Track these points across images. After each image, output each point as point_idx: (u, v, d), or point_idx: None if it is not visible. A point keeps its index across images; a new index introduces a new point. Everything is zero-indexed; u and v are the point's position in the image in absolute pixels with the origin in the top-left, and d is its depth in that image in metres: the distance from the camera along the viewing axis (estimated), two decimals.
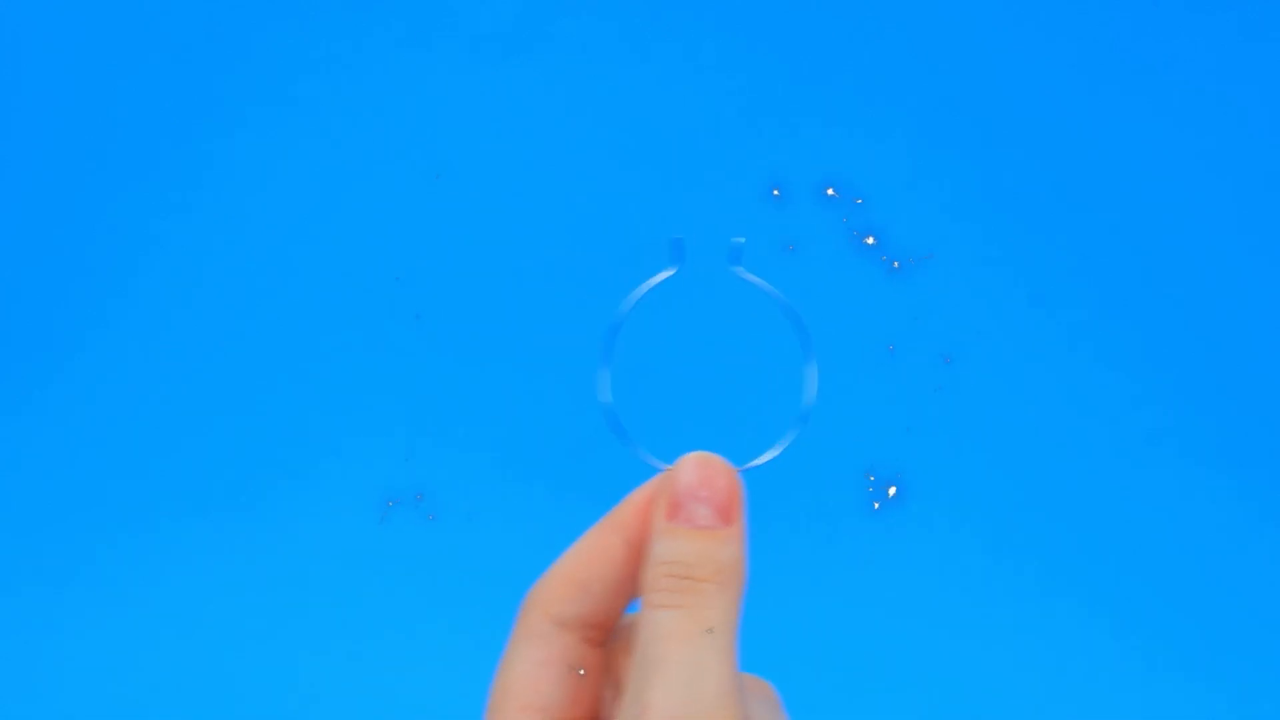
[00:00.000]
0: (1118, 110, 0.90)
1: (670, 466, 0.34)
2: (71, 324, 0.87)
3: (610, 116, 0.89)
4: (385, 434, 0.85)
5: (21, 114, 0.88)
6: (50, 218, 0.88)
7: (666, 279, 0.36)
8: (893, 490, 0.33)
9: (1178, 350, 0.89)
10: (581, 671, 0.34)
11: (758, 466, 0.36)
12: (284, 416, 0.86)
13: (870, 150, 0.90)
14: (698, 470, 0.33)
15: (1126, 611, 0.85)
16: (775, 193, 0.35)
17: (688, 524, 0.33)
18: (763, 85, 0.90)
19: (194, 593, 0.83)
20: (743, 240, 0.37)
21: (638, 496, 0.34)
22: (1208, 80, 0.90)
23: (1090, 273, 0.90)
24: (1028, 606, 0.85)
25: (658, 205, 0.88)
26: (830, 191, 0.36)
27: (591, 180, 0.88)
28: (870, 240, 0.35)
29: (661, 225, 0.88)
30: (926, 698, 0.82)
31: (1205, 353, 0.89)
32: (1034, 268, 0.90)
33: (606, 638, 0.35)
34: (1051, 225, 0.90)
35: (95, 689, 0.81)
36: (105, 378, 0.86)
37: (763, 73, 0.90)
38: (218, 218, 0.88)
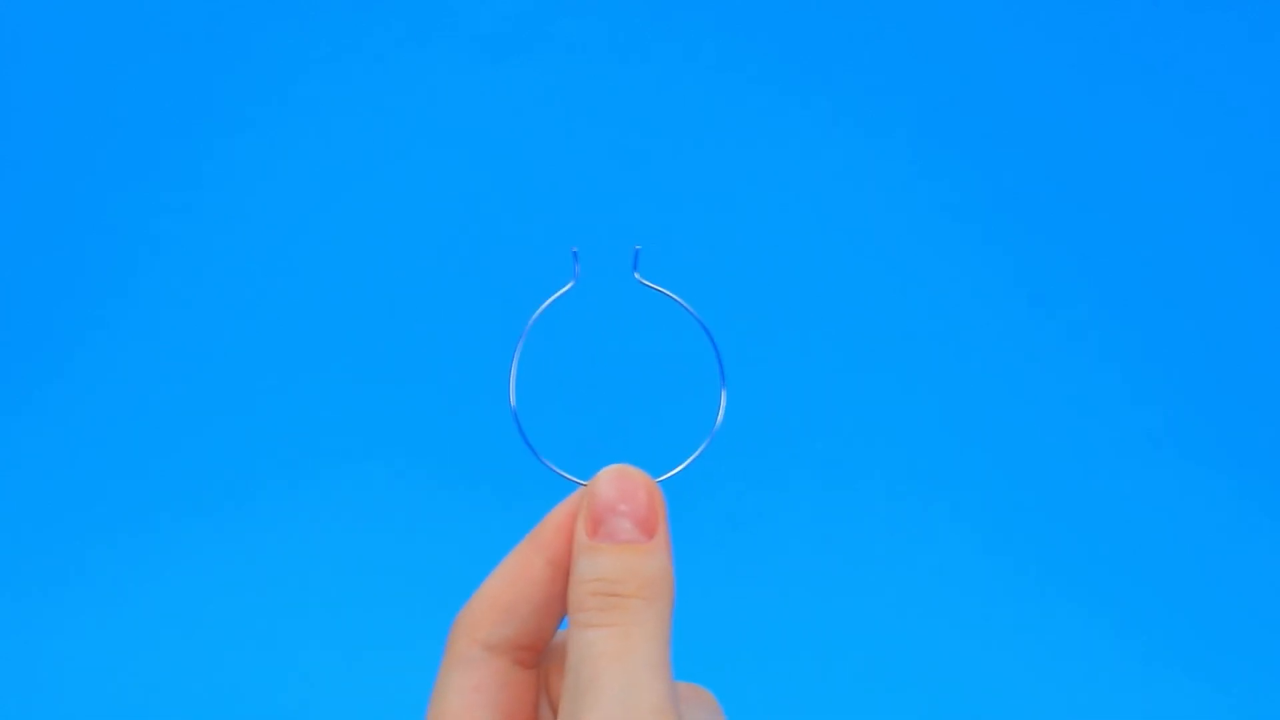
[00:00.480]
0: (1116, 108, 0.90)
1: (587, 482, 0.34)
2: (71, 324, 0.87)
3: (591, 119, 0.89)
4: (380, 435, 0.85)
5: (21, 115, 0.88)
6: (50, 218, 0.88)
7: (568, 292, 0.36)
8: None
9: (1177, 350, 0.89)
10: None
11: (676, 475, 0.36)
12: (281, 417, 0.86)
13: (867, 150, 0.90)
14: (616, 483, 0.33)
15: (1126, 612, 0.85)
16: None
17: (609, 539, 0.32)
18: (755, 89, 0.90)
19: (194, 593, 0.83)
20: (639, 247, 0.36)
21: (558, 514, 0.34)
22: (1207, 80, 0.90)
23: (1090, 273, 0.90)
24: (1028, 606, 0.85)
25: (652, 209, 0.88)
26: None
27: (583, 183, 0.88)
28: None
29: (658, 226, 0.88)
30: (926, 697, 0.82)
31: (1205, 353, 0.88)
32: (1033, 267, 0.90)
33: (538, 659, 0.35)
34: (1050, 225, 0.90)
35: (95, 688, 0.81)
36: (105, 378, 0.86)
37: (754, 77, 0.90)
38: (216, 219, 0.88)
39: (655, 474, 0.34)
